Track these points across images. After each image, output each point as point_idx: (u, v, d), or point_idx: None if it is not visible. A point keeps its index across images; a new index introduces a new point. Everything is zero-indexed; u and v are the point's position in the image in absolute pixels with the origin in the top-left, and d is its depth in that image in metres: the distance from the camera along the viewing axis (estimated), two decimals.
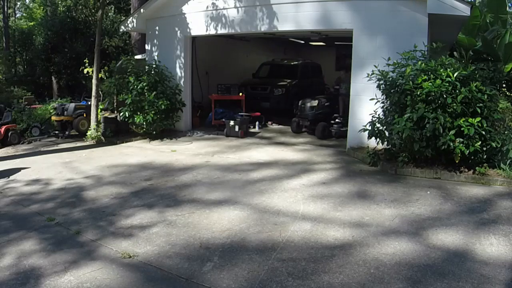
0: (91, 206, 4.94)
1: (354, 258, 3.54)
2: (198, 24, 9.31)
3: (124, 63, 9.49)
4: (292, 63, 13.24)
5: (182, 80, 9.73)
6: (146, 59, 10.22)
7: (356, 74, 7.48)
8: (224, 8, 8.86)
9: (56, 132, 9.84)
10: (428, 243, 3.79)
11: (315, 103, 9.28)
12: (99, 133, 9.08)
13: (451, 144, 5.50)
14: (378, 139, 6.37)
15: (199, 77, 11.49)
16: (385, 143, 6.38)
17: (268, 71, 13.27)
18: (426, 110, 5.62)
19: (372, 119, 6.48)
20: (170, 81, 9.31)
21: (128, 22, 10.21)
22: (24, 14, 27.32)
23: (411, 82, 5.80)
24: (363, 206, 4.79)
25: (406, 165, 6.08)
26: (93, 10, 17.03)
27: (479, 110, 5.59)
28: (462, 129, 5.45)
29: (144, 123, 8.76)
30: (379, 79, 6.36)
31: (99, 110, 9.48)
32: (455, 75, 5.64)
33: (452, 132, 5.51)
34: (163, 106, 8.66)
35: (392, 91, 6.14)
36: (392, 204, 4.84)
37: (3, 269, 3.43)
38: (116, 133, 9.43)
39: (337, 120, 9.22)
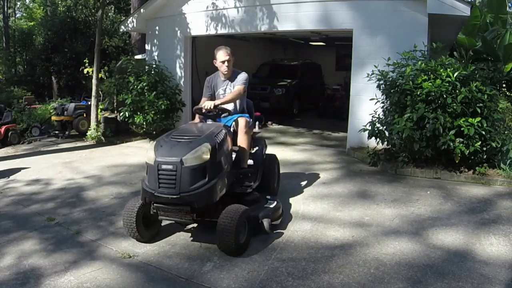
0: (91, 206, 4.94)
1: (354, 258, 3.54)
2: (198, 24, 9.30)
3: (124, 63, 9.48)
4: (292, 63, 13.23)
5: (182, 80, 9.72)
6: (146, 59, 10.21)
7: (356, 74, 7.47)
8: (224, 8, 8.86)
9: (56, 132, 9.83)
10: (428, 243, 3.79)
11: (206, 154, 3.50)
12: (99, 133, 9.08)
13: (451, 144, 5.50)
14: (378, 139, 6.37)
15: (199, 77, 11.47)
16: (385, 143, 6.38)
17: (268, 71, 13.26)
18: (426, 110, 5.62)
19: (372, 119, 6.48)
20: (170, 81, 9.30)
21: (128, 22, 10.21)
22: (24, 14, 27.34)
23: (411, 82, 5.79)
24: (363, 206, 4.79)
25: (406, 165, 6.08)
26: (93, 10, 17.04)
27: (479, 110, 5.58)
28: (462, 129, 5.44)
29: (144, 123, 8.75)
30: (379, 79, 6.36)
31: (99, 110, 9.48)
32: (455, 75, 5.63)
33: (452, 132, 5.51)
34: (163, 106, 8.66)
35: (392, 91, 6.14)
36: (392, 204, 4.84)
37: (3, 269, 3.43)
38: (116, 133, 9.42)
39: (249, 189, 4.21)
